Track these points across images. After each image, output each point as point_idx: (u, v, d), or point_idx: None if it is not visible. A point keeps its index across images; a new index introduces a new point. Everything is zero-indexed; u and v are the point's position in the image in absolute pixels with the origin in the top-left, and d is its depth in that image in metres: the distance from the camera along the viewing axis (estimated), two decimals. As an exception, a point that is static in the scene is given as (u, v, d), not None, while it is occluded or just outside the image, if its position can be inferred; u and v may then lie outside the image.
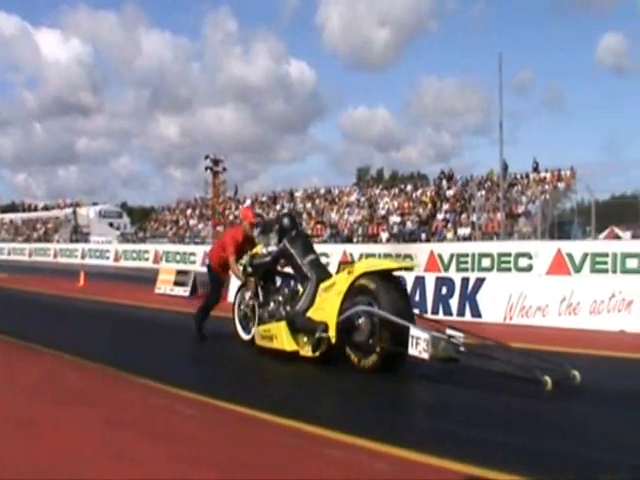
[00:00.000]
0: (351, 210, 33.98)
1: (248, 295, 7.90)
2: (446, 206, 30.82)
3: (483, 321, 10.95)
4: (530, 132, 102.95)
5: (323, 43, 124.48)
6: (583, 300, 9.91)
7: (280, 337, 6.99)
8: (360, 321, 6.30)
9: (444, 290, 11.87)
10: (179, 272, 17.88)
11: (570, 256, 18.78)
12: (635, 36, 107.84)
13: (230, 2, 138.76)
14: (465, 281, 11.79)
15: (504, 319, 10.84)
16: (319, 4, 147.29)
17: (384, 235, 30.34)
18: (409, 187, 35.79)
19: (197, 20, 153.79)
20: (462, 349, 5.84)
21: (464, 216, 29.76)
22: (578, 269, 18.19)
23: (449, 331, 6.19)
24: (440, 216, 30.21)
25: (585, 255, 18.35)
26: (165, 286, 17.24)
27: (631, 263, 17.42)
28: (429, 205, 31.05)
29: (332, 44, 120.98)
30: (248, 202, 40.23)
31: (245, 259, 7.82)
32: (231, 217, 37.92)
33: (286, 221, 7.49)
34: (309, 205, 36.92)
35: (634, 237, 23.70)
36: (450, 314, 11.47)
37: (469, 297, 11.53)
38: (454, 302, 11.65)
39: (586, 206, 26.71)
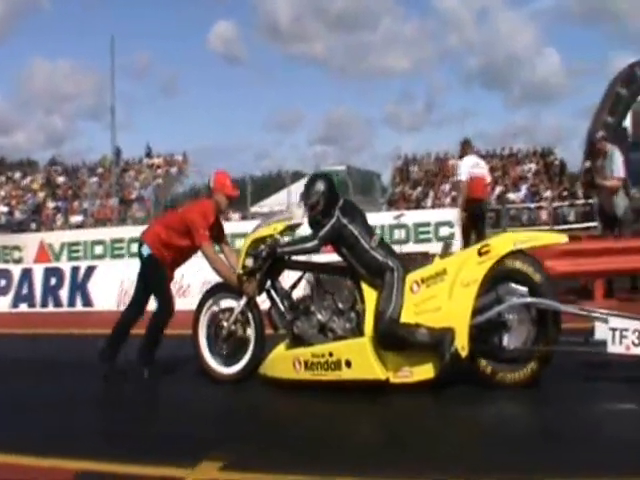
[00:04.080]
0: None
1: (241, 303, 5.10)
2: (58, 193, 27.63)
3: (95, 310, 10.89)
4: (146, 117, 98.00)
5: None
6: (193, 282, 9.79)
7: (361, 361, 4.63)
8: (511, 318, 4.58)
9: (53, 281, 11.64)
10: None
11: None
12: (245, 25, 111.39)
13: None
14: (75, 270, 11.67)
15: (117, 306, 10.30)
16: None
17: (-10, 226, 25.55)
18: (17, 174, 31.24)
19: None
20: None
21: (76, 203, 27.02)
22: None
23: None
24: (51, 204, 26.75)
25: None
26: None
27: (240, 243, 18.10)
28: (39, 193, 27.29)
29: None
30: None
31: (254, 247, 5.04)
32: None
33: (325, 186, 4.97)
34: None
35: (243, 218, 24.82)
36: (60, 305, 11.43)
37: (80, 286, 11.45)
38: (64, 293, 11.50)
39: (199, 190, 27.44)
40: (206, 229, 5.15)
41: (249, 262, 4.99)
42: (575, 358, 4.68)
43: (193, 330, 5.26)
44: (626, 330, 4.43)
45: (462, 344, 4.46)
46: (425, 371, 4.59)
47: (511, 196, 29.40)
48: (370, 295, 4.75)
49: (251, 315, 5.11)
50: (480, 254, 4.60)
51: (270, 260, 4.92)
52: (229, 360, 5.17)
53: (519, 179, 31.58)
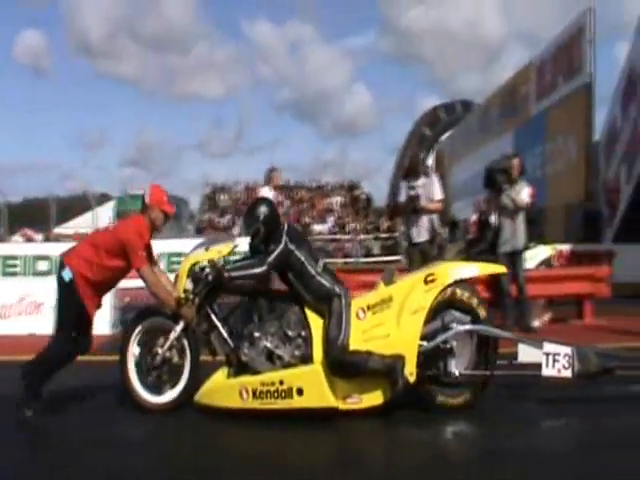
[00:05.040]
0: None
1: (177, 328, 4.78)
2: None
3: None
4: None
5: None
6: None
7: (313, 389, 4.54)
8: (455, 344, 4.76)
9: None
10: None
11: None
12: (54, 37, 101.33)
13: None
14: None
15: None
16: None
17: None
18: None
19: None
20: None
21: None
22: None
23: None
24: None
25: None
26: None
27: (42, 266, 17.34)
28: None
29: None
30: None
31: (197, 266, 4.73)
32: None
33: (268, 211, 4.85)
34: None
35: (46, 240, 23.55)
36: None
37: None
38: None
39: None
40: (143, 250, 4.76)
41: (190, 285, 4.70)
42: (503, 380, 4.91)
43: (121, 356, 4.85)
44: (558, 355, 4.77)
45: (411, 370, 4.54)
46: (374, 397, 4.60)
47: (317, 227, 30.57)
48: (316, 321, 4.70)
49: (186, 341, 4.81)
50: (426, 282, 4.72)
51: (213, 284, 4.68)
52: (161, 388, 4.83)
53: (326, 211, 32.93)
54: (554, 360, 4.76)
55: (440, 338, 4.69)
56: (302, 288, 4.71)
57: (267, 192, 8.98)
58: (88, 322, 4.88)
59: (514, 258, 7.94)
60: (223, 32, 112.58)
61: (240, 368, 4.68)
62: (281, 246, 4.65)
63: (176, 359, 4.80)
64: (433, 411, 4.69)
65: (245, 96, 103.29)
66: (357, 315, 4.70)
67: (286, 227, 4.82)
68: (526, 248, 7.95)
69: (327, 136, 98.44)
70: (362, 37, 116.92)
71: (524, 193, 7.81)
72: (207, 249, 4.85)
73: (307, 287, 4.70)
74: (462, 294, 4.80)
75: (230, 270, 4.66)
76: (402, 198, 8.25)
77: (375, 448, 4.24)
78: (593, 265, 9.59)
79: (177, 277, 4.84)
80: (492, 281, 8.13)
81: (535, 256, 8.73)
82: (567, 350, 4.78)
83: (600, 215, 16.62)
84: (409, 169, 8.58)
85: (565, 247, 12.16)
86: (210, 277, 4.60)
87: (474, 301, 4.82)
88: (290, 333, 4.70)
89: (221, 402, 4.66)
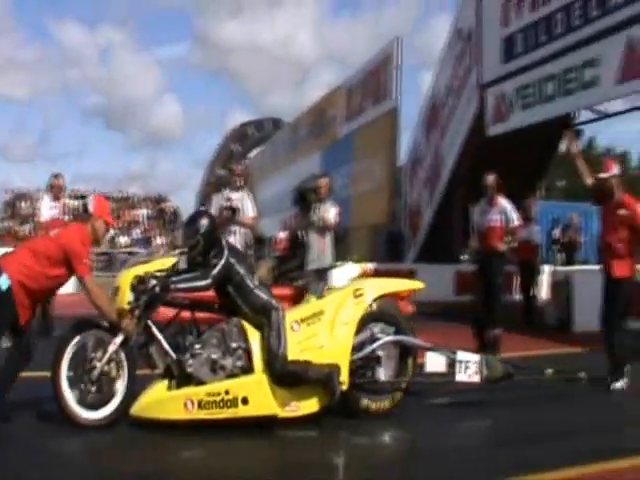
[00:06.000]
0: None
1: (117, 340, 4.72)
2: None
3: None
4: None
5: None
6: None
7: (258, 398, 4.70)
8: (382, 354, 5.17)
9: None
10: None
11: None
12: None
13: None
14: None
15: None
16: None
17: None
18: None
19: None
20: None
21: None
22: None
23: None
24: None
25: None
26: None
27: None
28: None
29: None
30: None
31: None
32: None
33: (207, 225, 4.96)
34: None
35: None
36: None
37: None
38: None
39: None
40: (87, 259, 4.71)
41: (132, 299, 4.71)
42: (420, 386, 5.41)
43: (53, 370, 4.68)
44: (469, 362, 5.33)
45: (343, 379, 4.86)
46: (311, 405, 4.85)
47: (122, 239, 30.26)
48: (253, 333, 4.86)
49: (124, 354, 4.78)
50: (355, 296, 5.11)
51: (158, 296, 4.72)
52: (96, 403, 4.73)
53: (132, 223, 32.62)
54: (466, 367, 5.31)
55: (369, 348, 5.07)
56: (241, 301, 4.88)
57: (47, 200, 8.78)
58: (23, 331, 4.73)
59: (321, 275, 7.98)
60: (28, 30, 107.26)
61: (183, 380, 4.72)
62: (223, 260, 4.81)
63: (114, 373, 4.74)
64: (359, 417, 5.03)
65: (51, 100, 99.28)
66: (291, 327, 4.94)
67: (224, 241, 4.99)
68: (332, 267, 7.96)
69: (136, 146, 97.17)
70: (175, 47, 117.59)
71: (332, 212, 7.93)
72: (147, 262, 4.89)
73: (246, 300, 4.88)
74: (386, 307, 5.23)
75: (175, 282, 4.74)
76: (213, 211, 8.33)
77: (312, 454, 4.45)
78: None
79: (117, 289, 4.82)
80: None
81: (344, 273, 8.76)
82: (477, 358, 5.35)
83: (402, 236, 17.62)
84: (225, 182, 8.65)
85: (370, 266, 12.73)
86: (157, 289, 4.64)
87: (397, 314, 5.27)
88: (232, 344, 4.82)
89: (164, 414, 4.66)
